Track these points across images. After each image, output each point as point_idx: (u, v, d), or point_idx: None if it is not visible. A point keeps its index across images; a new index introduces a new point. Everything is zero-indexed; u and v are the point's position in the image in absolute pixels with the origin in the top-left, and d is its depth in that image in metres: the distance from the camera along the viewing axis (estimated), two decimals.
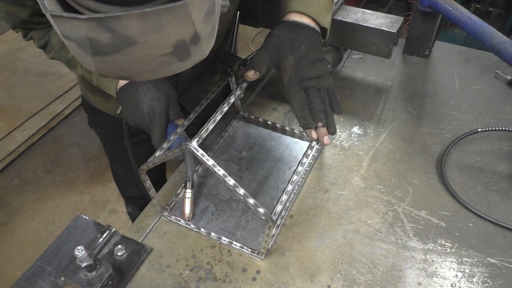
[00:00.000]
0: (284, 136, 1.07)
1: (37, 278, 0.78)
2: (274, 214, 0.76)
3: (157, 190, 0.89)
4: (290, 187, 0.78)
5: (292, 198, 0.92)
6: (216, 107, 0.85)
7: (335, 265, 0.81)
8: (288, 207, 0.90)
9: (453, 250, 0.82)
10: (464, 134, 1.03)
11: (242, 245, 0.83)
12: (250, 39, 3.50)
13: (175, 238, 0.86)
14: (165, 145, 0.83)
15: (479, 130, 1.02)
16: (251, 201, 0.72)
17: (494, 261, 0.80)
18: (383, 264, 0.81)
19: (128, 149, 1.00)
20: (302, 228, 0.87)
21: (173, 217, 0.89)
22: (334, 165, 1.00)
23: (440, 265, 0.80)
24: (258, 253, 0.82)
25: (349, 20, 1.13)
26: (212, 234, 0.86)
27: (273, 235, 0.85)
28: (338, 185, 0.95)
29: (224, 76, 0.96)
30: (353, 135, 1.07)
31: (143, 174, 0.81)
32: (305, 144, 1.05)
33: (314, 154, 1.01)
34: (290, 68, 0.84)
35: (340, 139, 1.06)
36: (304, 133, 0.95)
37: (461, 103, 1.15)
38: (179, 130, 0.85)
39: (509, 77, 1.20)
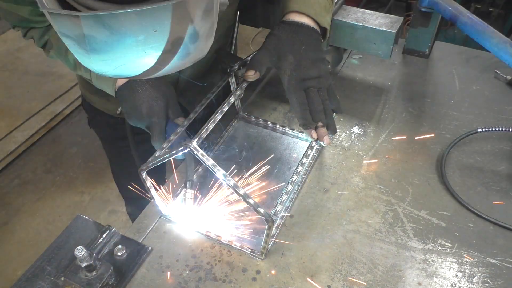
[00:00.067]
0: (284, 136, 1.07)
1: (37, 278, 0.78)
2: (274, 214, 0.76)
3: (157, 190, 0.89)
4: (290, 187, 0.78)
5: (292, 198, 0.92)
6: (216, 107, 0.85)
7: (335, 265, 0.80)
8: (288, 207, 0.90)
9: (453, 250, 0.82)
10: (464, 134, 1.03)
11: (242, 245, 0.83)
12: (250, 39, 3.50)
13: (175, 238, 0.86)
14: (165, 145, 0.83)
15: (479, 130, 1.02)
16: (251, 201, 0.72)
17: (494, 261, 0.80)
18: (383, 264, 0.81)
19: (132, 147, 1.00)
20: (302, 228, 0.87)
21: (173, 217, 0.89)
22: (334, 165, 1.00)
23: (440, 265, 0.80)
24: (258, 253, 0.82)
25: (349, 20, 1.13)
26: (212, 234, 0.86)
27: (273, 235, 0.85)
28: (338, 185, 0.95)
29: (224, 76, 0.96)
30: (353, 135, 1.07)
31: (143, 174, 0.81)
32: (305, 144, 1.05)
33: (314, 154, 1.01)
34: (290, 68, 0.84)
35: (340, 139, 1.06)
36: (304, 133, 0.95)
37: (461, 103, 1.15)
38: (179, 130, 0.85)
39: (509, 77, 1.20)
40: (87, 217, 0.87)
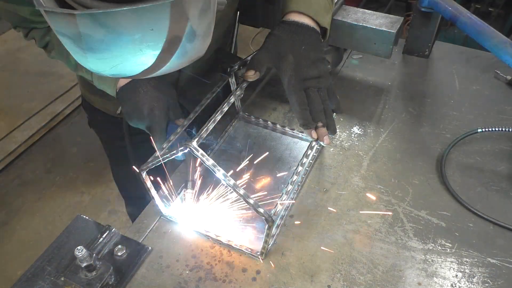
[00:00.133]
0: (284, 136, 1.07)
1: (37, 278, 0.78)
2: (274, 214, 0.76)
3: (157, 190, 0.89)
4: (290, 187, 0.78)
5: (292, 198, 0.92)
6: (216, 107, 0.85)
7: (335, 265, 0.80)
8: (288, 207, 0.90)
9: (453, 250, 0.82)
10: (464, 134, 1.03)
11: (242, 245, 0.83)
12: (250, 39, 3.50)
13: (175, 238, 0.86)
14: (165, 145, 0.83)
15: (479, 130, 1.02)
16: (251, 201, 0.72)
17: (494, 261, 0.80)
18: (383, 264, 0.81)
19: (128, 149, 1.00)
20: (302, 228, 0.87)
21: (173, 217, 0.89)
22: (334, 165, 1.00)
23: (440, 265, 0.80)
24: (258, 253, 0.82)
25: (349, 20, 1.13)
26: (212, 234, 0.86)
27: (273, 235, 0.85)
28: (338, 185, 0.95)
29: (224, 76, 0.96)
30: (353, 135, 1.07)
31: (143, 174, 0.81)
32: (305, 144, 1.05)
33: (314, 154, 1.01)
34: (290, 68, 0.84)
35: (340, 139, 1.06)
36: (304, 133, 0.95)
37: (461, 103, 1.15)
38: (179, 130, 0.85)
39: (509, 77, 1.20)
40: (87, 217, 0.87)
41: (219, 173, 0.73)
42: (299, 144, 1.05)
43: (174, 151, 0.77)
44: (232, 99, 0.87)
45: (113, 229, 0.84)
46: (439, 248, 0.83)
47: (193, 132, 0.93)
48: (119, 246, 0.82)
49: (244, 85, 0.88)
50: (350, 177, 0.97)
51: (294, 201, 0.89)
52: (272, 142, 1.06)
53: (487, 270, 0.79)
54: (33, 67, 3.39)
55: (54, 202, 2.52)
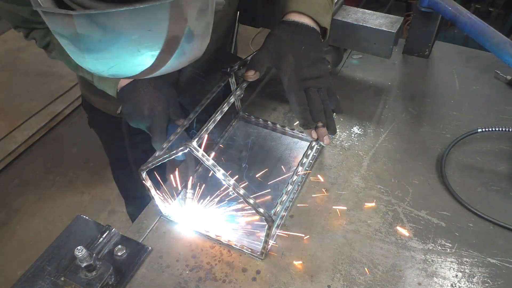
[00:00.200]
0: (284, 136, 1.07)
1: (37, 278, 0.78)
2: (274, 214, 0.76)
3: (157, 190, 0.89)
4: (290, 187, 0.78)
5: (292, 198, 0.92)
6: (216, 107, 0.85)
7: (335, 265, 0.80)
8: (288, 207, 0.90)
9: (453, 250, 0.82)
10: (464, 134, 1.03)
11: (242, 245, 0.83)
12: (250, 39, 3.50)
13: (175, 238, 0.86)
14: (165, 145, 0.83)
15: (479, 130, 1.02)
16: (251, 201, 0.72)
17: (494, 261, 0.80)
18: (383, 264, 0.81)
19: (127, 149, 1.00)
20: (302, 228, 0.87)
21: (173, 217, 0.89)
22: (334, 165, 1.00)
23: (440, 265, 0.80)
24: (258, 253, 0.82)
25: (349, 20, 1.13)
26: (212, 234, 0.86)
27: (273, 235, 0.85)
28: (338, 185, 0.95)
29: (224, 76, 0.96)
30: (353, 135, 1.07)
31: (143, 174, 0.81)
32: (305, 144, 1.05)
33: (314, 154, 1.01)
34: (290, 68, 0.84)
35: (340, 139, 1.06)
36: (304, 133, 0.95)
37: (461, 103, 1.15)
38: (179, 130, 0.85)
39: (509, 77, 1.20)
40: (87, 217, 0.87)
41: (219, 173, 0.73)
42: (299, 144, 1.05)
43: (174, 151, 0.77)
44: (232, 99, 0.87)
45: (113, 229, 0.84)
46: (439, 248, 0.83)
47: (194, 131, 0.93)
48: (119, 246, 0.82)
49: (244, 85, 0.88)
50: (350, 177, 0.97)
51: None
52: (272, 142, 1.06)
53: (487, 270, 0.79)
54: (33, 67, 3.39)
55: (54, 202, 2.52)
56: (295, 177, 0.79)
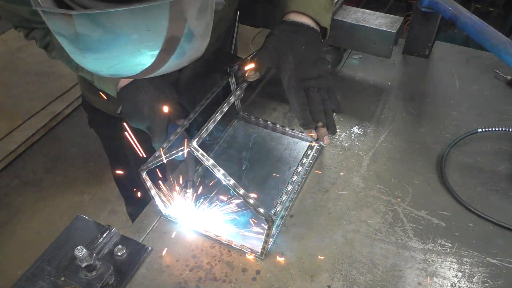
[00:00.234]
0: (284, 136, 1.07)
1: (37, 278, 0.78)
2: (274, 214, 0.76)
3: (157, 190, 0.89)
4: (290, 187, 0.78)
5: (292, 198, 0.92)
6: (216, 107, 0.85)
7: (335, 265, 0.80)
8: (288, 207, 0.90)
9: (453, 250, 0.82)
10: (464, 134, 1.03)
11: (242, 245, 0.83)
12: (250, 39, 3.50)
13: (175, 238, 0.86)
14: (165, 145, 0.83)
15: (479, 130, 1.02)
16: (251, 201, 0.72)
17: (494, 261, 0.80)
18: (383, 264, 0.81)
19: (128, 149, 1.00)
20: (302, 228, 0.87)
21: (173, 217, 0.89)
22: (334, 165, 1.00)
23: (440, 265, 0.80)
24: (258, 253, 0.82)
25: (349, 20, 1.13)
26: (212, 234, 0.86)
27: (273, 235, 0.85)
28: (338, 185, 0.95)
29: (224, 76, 0.96)
30: (353, 135, 1.07)
31: (143, 174, 0.81)
32: (305, 144, 1.05)
33: (314, 154, 1.01)
34: (290, 68, 0.84)
35: (340, 139, 1.06)
36: (304, 133, 0.95)
37: (461, 103, 1.15)
38: (179, 130, 0.85)
39: (509, 77, 1.20)
40: (87, 217, 0.87)
41: (219, 173, 0.73)
42: (299, 144, 1.05)
43: (174, 151, 0.77)
44: (232, 99, 0.87)
45: (113, 229, 0.84)
46: (439, 248, 0.83)
47: (196, 132, 0.93)
48: (119, 246, 0.82)
49: (244, 85, 0.88)
50: (350, 177, 0.97)
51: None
52: (272, 142, 1.06)
53: (487, 270, 0.79)
54: (33, 67, 3.39)
55: (54, 202, 2.52)
56: (295, 177, 0.79)
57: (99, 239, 0.82)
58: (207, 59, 1.08)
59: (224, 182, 0.73)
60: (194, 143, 0.74)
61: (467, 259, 0.81)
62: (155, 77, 0.60)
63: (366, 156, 1.01)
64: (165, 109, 0.89)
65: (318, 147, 0.99)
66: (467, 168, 0.98)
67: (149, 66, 0.55)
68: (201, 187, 0.96)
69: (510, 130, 1.00)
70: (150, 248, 0.84)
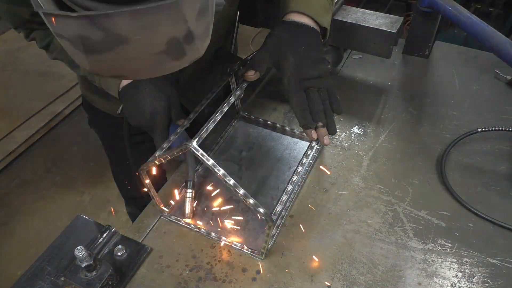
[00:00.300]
0: (284, 136, 1.07)
1: (37, 278, 0.78)
2: (274, 214, 0.76)
3: (157, 190, 0.89)
4: (290, 187, 0.78)
5: (292, 198, 0.92)
6: (216, 107, 0.85)
7: (335, 265, 0.80)
8: (288, 207, 0.90)
9: (453, 250, 0.82)
10: (464, 134, 1.03)
11: (242, 245, 0.83)
12: (250, 39, 3.50)
13: (175, 238, 0.86)
14: (165, 145, 0.83)
15: (479, 130, 1.02)
16: (251, 201, 0.72)
17: (494, 261, 0.80)
18: (383, 264, 0.81)
19: (127, 149, 1.00)
20: (302, 228, 0.87)
21: (173, 217, 0.89)
22: (334, 165, 1.00)
23: (440, 265, 0.80)
24: (258, 253, 0.82)
25: (349, 20, 1.13)
26: (212, 234, 0.86)
27: (273, 235, 0.85)
28: (338, 185, 0.95)
29: (224, 76, 0.96)
30: (353, 135, 1.07)
31: (143, 174, 0.81)
32: (305, 144, 1.05)
33: (314, 154, 1.01)
34: (290, 68, 0.84)
35: (340, 139, 1.06)
36: (304, 133, 0.95)
37: (461, 103, 1.15)
38: (179, 130, 0.85)
39: (509, 77, 1.20)
40: (87, 217, 0.87)
41: (219, 173, 0.73)
42: (299, 144, 1.05)
43: (175, 151, 0.77)
44: (232, 99, 0.87)
45: (113, 229, 0.84)
46: (439, 248, 0.83)
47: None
48: (119, 246, 0.82)
49: (244, 85, 0.88)
50: (350, 177, 0.97)
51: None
52: (272, 142, 1.06)
53: (487, 270, 0.79)
54: (33, 67, 3.39)
55: (54, 202, 2.52)
56: (295, 177, 0.79)
57: (99, 239, 0.82)
58: (207, 59, 1.08)
59: (224, 182, 0.73)
60: (194, 143, 0.74)
61: (467, 259, 0.81)
62: (157, 77, 0.60)
63: (366, 156, 1.01)
64: (166, 108, 0.89)
65: (318, 147, 0.99)
66: (467, 168, 0.98)
67: (149, 67, 0.55)
68: (201, 187, 0.96)
69: (510, 130, 1.00)
70: (150, 248, 0.84)
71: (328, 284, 0.78)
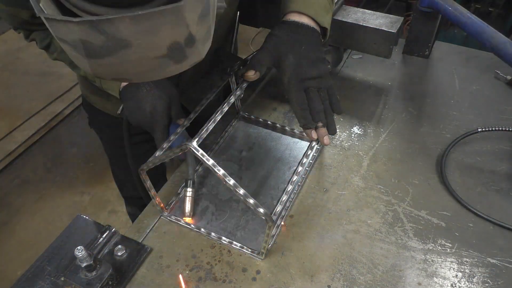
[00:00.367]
0: (284, 136, 1.07)
1: (37, 278, 0.78)
2: (274, 214, 0.76)
3: (157, 190, 0.89)
4: (290, 187, 0.78)
5: (292, 198, 0.92)
6: (216, 107, 0.85)
7: (335, 265, 0.81)
8: (288, 207, 0.90)
9: (453, 250, 0.82)
10: (464, 134, 1.03)
11: (242, 245, 0.83)
12: (250, 39, 3.50)
13: (175, 238, 0.86)
14: (165, 145, 0.83)
15: (479, 130, 1.02)
16: (251, 201, 0.72)
17: (494, 261, 0.80)
18: (383, 264, 0.81)
19: (127, 149, 1.00)
20: (302, 228, 0.87)
21: (173, 217, 0.89)
22: (334, 165, 1.00)
23: (440, 265, 0.80)
24: (258, 253, 0.82)
25: (349, 20, 1.13)
26: (212, 234, 0.86)
27: (273, 235, 0.85)
28: (338, 185, 0.95)
29: (224, 76, 0.96)
30: (353, 135, 1.07)
31: (143, 174, 0.81)
32: (305, 144, 1.05)
33: (314, 154, 1.01)
34: (290, 68, 0.84)
35: (340, 139, 1.06)
36: (304, 133, 0.95)
37: (461, 103, 1.15)
38: (179, 130, 0.85)
39: (509, 77, 1.20)
40: (87, 217, 0.87)
41: (219, 173, 0.73)
42: (299, 144, 1.05)
43: (174, 151, 0.77)
44: (232, 99, 0.87)
45: (113, 229, 0.84)
46: (439, 248, 0.83)
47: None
48: (119, 246, 0.82)
49: (244, 85, 0.88)
50: (350, 177, 0.97)
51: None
52: (272, 142, 1.06)
53: (487, 270, 0.79)
54: (33, 67, 3.39)
55: (54, 202, 2.51)
56: (295, 177, 0.79)
57: (99, 239, 0.82)
58: (207, 59, 1.08)
59: (224, 182, 0.73)
60: (194, 143, 0.74)
61: (467, 259, 0.81)
62: None
63: (366, 156, 1.01)
64: (167, 107, 0.89)
65: (318, 147, 0.99)
66: (467, 168, 0.98)
67: (150, 70, 0.55)
68: (201, 187, 0.96)
69: (510, 130, 1.00)
70: (150, 248, 0.84)
71: (328, 284, 0.78)
